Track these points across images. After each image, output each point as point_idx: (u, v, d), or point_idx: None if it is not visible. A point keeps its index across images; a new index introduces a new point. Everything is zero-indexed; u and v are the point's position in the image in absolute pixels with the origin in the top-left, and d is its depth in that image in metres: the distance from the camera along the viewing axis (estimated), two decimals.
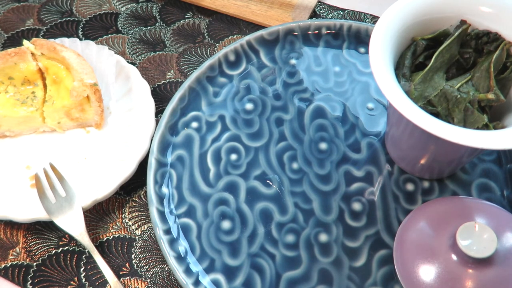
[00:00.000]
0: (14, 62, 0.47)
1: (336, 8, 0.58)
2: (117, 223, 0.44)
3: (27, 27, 0.58)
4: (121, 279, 0.41)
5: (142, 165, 0.45)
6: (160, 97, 0.52)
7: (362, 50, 0.52)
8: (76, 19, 0.59)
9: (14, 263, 0.42)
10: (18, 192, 0.44)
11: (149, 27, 0.58)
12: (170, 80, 0.53)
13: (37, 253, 0.43)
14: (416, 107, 0.31)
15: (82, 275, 0.42)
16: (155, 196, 0.42)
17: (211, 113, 0.48)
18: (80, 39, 0.56)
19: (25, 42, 0.49)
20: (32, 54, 0.48)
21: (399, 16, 0.36)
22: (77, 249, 0.43)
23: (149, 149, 0.45)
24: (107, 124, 0.48)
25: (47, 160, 0.46)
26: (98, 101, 0.47)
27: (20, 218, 0.42)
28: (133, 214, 0.45)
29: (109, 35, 0.57)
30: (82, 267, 0.42)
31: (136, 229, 0.44)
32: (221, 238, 0.41)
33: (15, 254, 0.43)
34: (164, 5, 0.60)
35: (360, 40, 0.52)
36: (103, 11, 0.59)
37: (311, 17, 0.58)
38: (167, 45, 0.56)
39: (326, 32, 0.52)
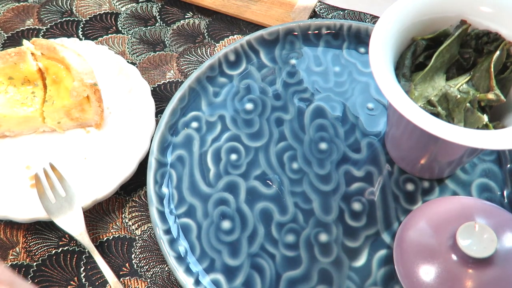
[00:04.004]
0: (14, 62, 0.47)
1: (336, 8, 0.58)
2: (117, 223, 0.44)
3: (27, 27, 0.58)
4: (121, 279, 0.41)
5: (142, 165, 0.45)
6: (160, 97, 0.52)
7: (362, 50, 0.52)
8: (76, 19, 0.59)
9: (14, 263, 0.42)
10: (18, 192, 0.44)
11: (149, 27, 0.58)
12: (170, 80, 0.53)
13: (37, 253, 0.43)
14: (416, 107, 0.31)
15: (82, 275, 0.42)
16: (155, 196, 0.42)
17: (211, 113, 0.48)
18: (80, 39, 0.56)
19: (25, 42, 0.49)
20: (32, 54, 0.48)
21: (399, 16, 0.36)
22: (77, 249, 0.43)
23: (149, 149, 0.45)
24: (107, 124, 0.48)
25: (47, 160, 0.46)
26: (98, 101, 0.47)
27: (20, 218, 0.42)
28: (133, 214, 0.45)
29: (109, 35, 0.57)
30: (82, 267, 0.42)
31: (136, 229, 0.44)
32: (221, 238, 0.41)
33: (15, 254, 0.43)
34: (164, 5, 0.60)
35: (360, 40, 0.52)
36: (103, 11, 0.59)
37: (311, 17, 0.58)
38: (167, 45, 0.56)
39: (326, 32, 0.52)
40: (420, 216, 0.38)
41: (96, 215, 0.45)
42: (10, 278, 0.27)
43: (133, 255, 0.42)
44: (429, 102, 0.36)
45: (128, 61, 0.55)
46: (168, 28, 0.58)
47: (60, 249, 0.43)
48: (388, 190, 0.43)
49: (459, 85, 0.36)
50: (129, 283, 0.41)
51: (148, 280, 0.41)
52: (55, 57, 0.48)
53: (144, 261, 0.42)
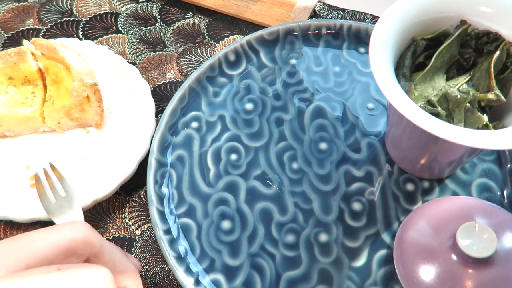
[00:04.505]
0: (14, 62, 0.47)
1: (336, 8, 0.58)
2: (117, 223, 0.44)
3: (27, 27, 0.58)
4: None
5: (142, 165, 0.45)
6: (160, 97, 0.52)
7: (362, 50, 0.52)
8: (76, 19, 0.59)
9: None
10: (18, 192, 0.44)
11: (149, 27, 0.58)
12: (170, 80, 0.53)
13: None
14: (416, 107, 0.31)
15: None
16: (155, 196, 0.42)
17: (211, 113, 0.48)
18: (80, 39, 0.56)
19: (25, 42, 0.49)
20: (32, 54, 0.48)
21: (399, 16, 0.36)
22: None
23: (149, 149, 0.45)
24: (107, 124, 0.48)
25: (47, 160, 0.46)
26: (98, 101, 0.47)
27: (20, 218, 0.42)
28: (133, 214, 0.45)
29: (109, 35, 0.57)
30: None
31: (136, 229, 0.44)
32: (221, 238, 0.41)
33: None
34: (164, 5, 0.60)
35: (360, 40, 0.52)
36: (103, 11, 0.59)
37: (311, 17, 0.58)
38: (167, 45, 0.56)
39: (326, 32, 0.52)
40: (420, 216, 0.38)
41: (96, 215, 0.45)
42: (100, 241, 0.28)
43: (133, 255, 0.42)
44: (429, 102, 0.36)
45: (128, 61, 0.55)
46: (168, 28, 0.58)
47: None
48: (388, 190, 0.43)
49: (459, 85, 0.36)
50: None
51: (148, 280, 0.41)
52: (55, 57, 0.48)
53: (144, 261, 0.42)
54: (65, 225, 0.28)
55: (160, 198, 0.43)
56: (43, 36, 0.57)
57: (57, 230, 0.27)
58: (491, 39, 0.37)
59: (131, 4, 0.60)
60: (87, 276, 0.25)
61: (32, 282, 0.23)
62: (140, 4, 0.60)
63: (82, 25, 0.58)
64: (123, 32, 0.57)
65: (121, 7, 0.60)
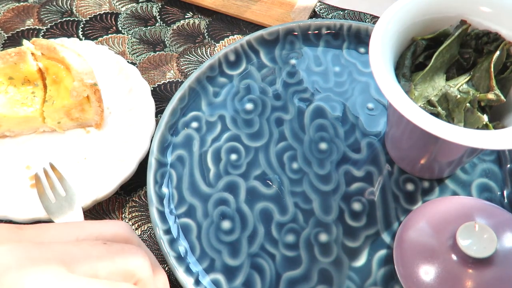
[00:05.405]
0: (14, 62, 0.47)
1: (336, 8, 0.58)
2: None
3: (27, 27, 0.58)
4: None
5: (142, 165, 0.45)
6: (160, 97, 0.52)
7: (362, 50, 0.52)
8: (76, 19, 0.59)
9: None
10: (18, 192, 0.44)
11: (149, 27, 0.58)
12: (170, 80, 0.53)
13: None
14: (416, 107, 0.31)
15: None
16: (155, 196, 0.42)
17: (211, 113, 0.48)
18: (80, 39, 0.56)
19: (25, 42, 0.49)
20: (32, 54, 0.48)
21: (399, 16, 0.36)
22: None
23: (149, 149, 0.45)
24: (107, 124, 0.48)
25: (47, 160, 0.46)
26: (98, 101, 0.47)
27: (20, 218, 0.42)
28: (133, 214, 0.45)
29: (109, 35, 0.57)
30: None
31: (136, 229, 0.44)
32: (221, 238, 0.41)
33: None
34: (164, 5, 0.60)
35: (360, 40, 0.52)
36: (103, 11, 0.59)
37: (311, 17, 0.58)
38: (167, 45, 0.56)
39: (326, 32, 0.53)
40: (420, 216, 0.38)
41: (96, 215, 0.45)
42: (139, 242, 0.32)
43: None
44: (429, 102, 0.36)
45: (128, 61, 0.55)
46: (168, 28, 0.58)
47: None
48: (388, 190, 0.43)
49: (459, 85, 0.36)
50: None
51: None
52: (55, 57, 0.48)
53: None
54: (110, 220, 0.30)
55: (160, 198, 0.43)
56: (43, 36, 0.58)
57: (103, 222, 0.30)
58: (491, 39, 0.37)
59: (131, 4, 0.60)
60: (129, 252, 0.27)
61: (80, 248, 0.26)
62: (140, 4, 0.60)
63: (82, 25, 0.58)
64: (123, 32, 0.57)
65: (121, 7, 0.60)
